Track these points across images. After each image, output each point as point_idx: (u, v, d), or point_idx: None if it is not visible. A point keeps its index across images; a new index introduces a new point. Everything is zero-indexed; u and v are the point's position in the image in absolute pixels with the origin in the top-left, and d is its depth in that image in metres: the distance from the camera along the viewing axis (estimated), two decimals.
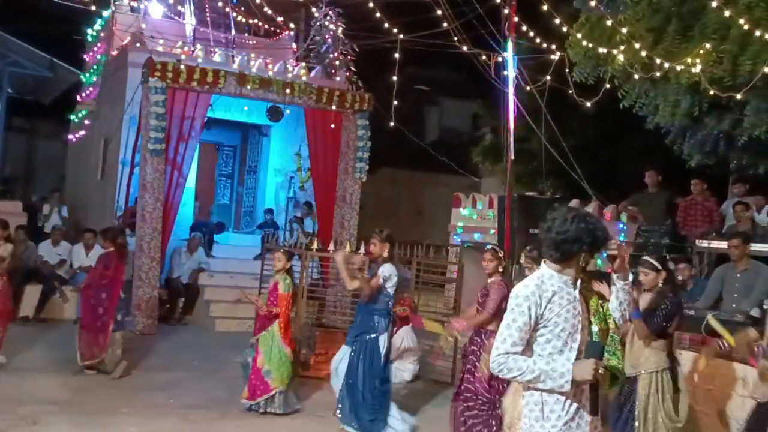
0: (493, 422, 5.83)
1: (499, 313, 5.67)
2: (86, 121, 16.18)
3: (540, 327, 3.26)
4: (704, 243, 9.82)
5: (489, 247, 6.59)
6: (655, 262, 5.60)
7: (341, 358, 6.88)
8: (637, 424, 5.34)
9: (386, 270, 6.59)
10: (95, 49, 16.48)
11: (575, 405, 3.25)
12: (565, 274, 3.31)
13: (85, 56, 17.12)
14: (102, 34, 16.13)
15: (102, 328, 8.16)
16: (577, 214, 3.31)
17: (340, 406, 6.67)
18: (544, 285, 3.28)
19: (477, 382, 6.00)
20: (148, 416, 6.91)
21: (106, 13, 15.31)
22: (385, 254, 6.63)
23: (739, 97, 8.83)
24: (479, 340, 6.15)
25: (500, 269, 6.29)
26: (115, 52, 14.61)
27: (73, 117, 17.53)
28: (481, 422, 5.92)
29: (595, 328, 5.11)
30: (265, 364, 7.14)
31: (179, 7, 14.97)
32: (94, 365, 8.19)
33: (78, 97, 16.91)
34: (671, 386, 5.40)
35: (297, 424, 7.09)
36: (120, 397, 7.43)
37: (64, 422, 6.53)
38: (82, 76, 16.89)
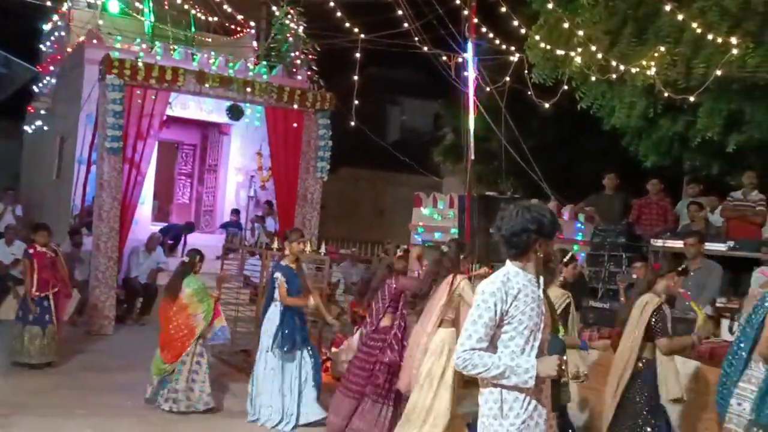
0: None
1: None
2: (45, 127, 15.85)
3: (504, 324, 3.28)
4: (659, 242, 10.00)
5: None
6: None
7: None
8: None
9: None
10: (51, 47, 16.17)
11: (534, 402, 3.25)
12: (528, 271, 3.34)
13: (39, 54, 16.80)
14: (56, 34, 15.83)
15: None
16: (521, 207, 3.35)
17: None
18: (510, 282, 3.30)
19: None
20: (105, 417, 6.81)
21: (63, 9, 15.04)
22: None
23: (692, 99, 9.02)
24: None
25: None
26: (70, 50, 14.37)
27: (27, 128, 17.16)
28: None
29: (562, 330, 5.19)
30: None
31: (137, 4, 14.79)
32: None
33: (32, 105, 16.54)
34: None
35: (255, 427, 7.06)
36: (76, 399, 7.32)
37: (20, 425, 6.42)
38: (35, 81, 16.54)
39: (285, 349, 6.92)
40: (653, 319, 5.26)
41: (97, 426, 6.55)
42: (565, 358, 3.25)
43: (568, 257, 6.16)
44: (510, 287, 3.26)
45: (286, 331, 6.92)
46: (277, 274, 7.06)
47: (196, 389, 7.19)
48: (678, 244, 9.35)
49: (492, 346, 3.28)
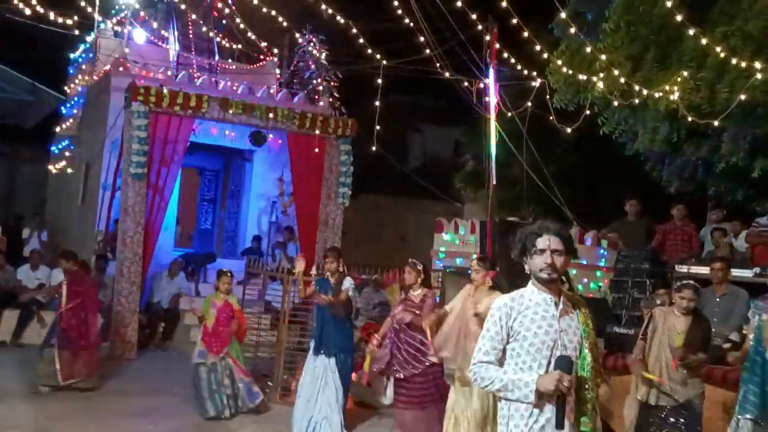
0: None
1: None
2: (67, 153, 16.09)
3: (511, 340, 3.32)
4: (684, 268, 9.88)
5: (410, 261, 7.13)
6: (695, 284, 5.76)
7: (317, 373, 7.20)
8: None
9: (347, 282, 7.35)
10: (78, 75, 16.45)
11: (541, 423, 3.23)
12: (547, 291, 3.34)
13: (66, 82, 17.08)
14: (83, 66, 16.09)
15: (86, 345, 8.36)
16: (518, 232, 3.44)
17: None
18: (521, 298, 3.35)
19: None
20: None
21: (89, 38, 15.31)
22: (341, 268, 7.44)
23: (716, 124, 8.97)
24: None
25: (419, 281, 6.92)
26: (97, 78, 14.60)
27: (53, 148, 17.43)
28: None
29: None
30: (245, 367, 8.17)
31: (163, 32, 15.03)
32: (75, 385, 8.26)
33: (57, 129, 16.81)
34: None
35: None
36: (98, 424, 7.34)
37: None
38: (62, 107, 16.82)
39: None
40: None
41: None
42: (570, 375, 3.17)
43: None
44: (519, 303, 3.32)
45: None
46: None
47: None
48: (703, 269, 9.25)
49: (504, 362, 3.34)
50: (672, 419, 5.61)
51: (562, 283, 3.42)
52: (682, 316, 5.71)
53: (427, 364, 6.64)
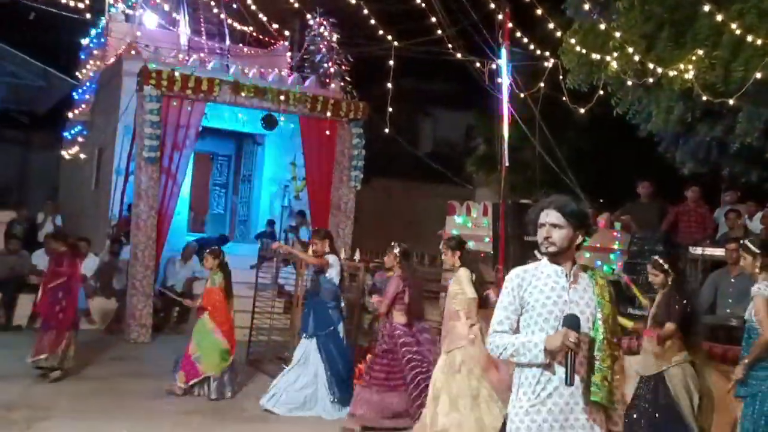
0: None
1: (396, 301, 6.96)
2: (80, 138, 16.17)
3: (523, 311, 3.39)
4: (698, 250, 9.85)
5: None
6: (664, 264, 5.86)
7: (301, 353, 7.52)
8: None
9: (331, 258, 7.54)
10: (90, 60, 16.48)
11: (548, 390, 3.27)
12: (559, 264, 3.40)
13: (78, 68, 17.12)
14: (95, 52, 16.11)
15: (56, 325, 8.20)
16: (530, 210, 3.51)
17: (331, 394, 7.34)
18: (535, 271, 3.42)
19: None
20: (143, 421, 6.88)
21: (101, 23, 15.33)
22: (327, 249, 7.56)
23: (731, 102, 8.87)
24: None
25: (397, 262, 7.17)
26: (109, 62, 14.62)
27: (66, 134, 17.51)
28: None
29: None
30: (195, 351, 7.76)
31: (174, 16, 15.01)
32: (39, 363, 8.16)
33: (70, 114, 16.89)
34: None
35: (296, 428, 7.06)
36: (115, 404, 7.40)
37: (58, 426, 6.51)
38: (74, 93, 16.87)
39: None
40: None
41: (135, 430, 6.60)
42: (578, 333, 3.19)
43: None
44: (532, 275, 3.39)
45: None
46: None
47: None
48: (717, 251, 9.21)
49: (518, 332, 3.41)
50: (642, 390, 5.84)
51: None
52: (660, 292, 5.92)
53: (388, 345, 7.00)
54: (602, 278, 3.44)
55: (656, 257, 5.98)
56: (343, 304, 7.76)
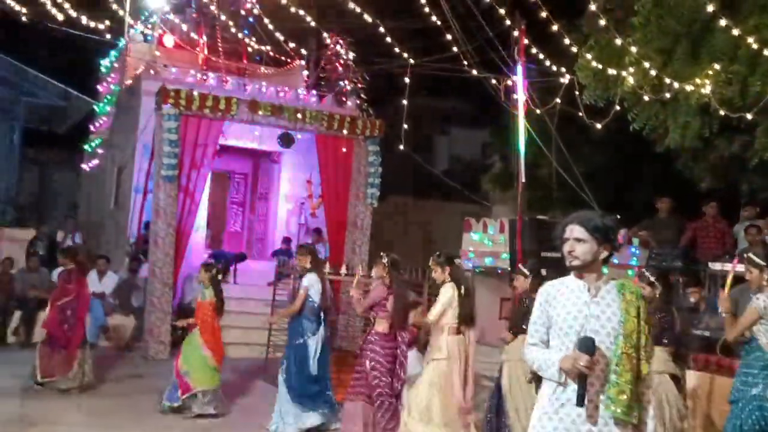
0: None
1: (374, 307, 6.85)
2: (99, 150, 16.37)
3: (550, 324, 3.48)
4: (717, 266, 9.78)
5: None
6: (650, 277, 5.95)
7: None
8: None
9: (306, 281, 7.46)
10: (109, 79, 16.71)
11: (562, 401, 3.34)
12: (582, 279, 3.45)
13: (98, 86, 17.35)
14: (116, 64, 16.36)
15: (66, 344, 8.24)
16: (558, 226, 3.59)
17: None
18: (561, 285, 3.49)
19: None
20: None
21: (119, 43, 15.54)
22: (308, 265, 7.53)
23: (749, 117, 8.84)
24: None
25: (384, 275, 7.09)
26: (128, 82, 14.80)
27: (86, 147, 17.73)
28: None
29: None
30: (183, 366, 7.70)
31: (192, 36, 15.20)
32: (57, 386, 8.20)
33: (92, 127, 17.11)
34: None
35: None
36: (133, 419, 7.42)
37: None
38: (95, 106, 17.10)
39: None
40: None
41: None
42: (589, 355, 3.21)
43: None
44: (557, 290, 3.47)
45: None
46: None
47: None
48: (737, 267, 9.12)
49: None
50: None
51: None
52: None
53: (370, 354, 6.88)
54: (632, 292, 3.42)
55: (643, 270, 6.01)
56: (322, 318, 7.64)
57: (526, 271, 6.74)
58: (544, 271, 6.56)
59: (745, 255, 5.80)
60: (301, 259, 7.72)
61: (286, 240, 14.34)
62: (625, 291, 3.41)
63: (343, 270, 9.99)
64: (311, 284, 7.47)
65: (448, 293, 6.56)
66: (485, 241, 13.52)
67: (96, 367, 8.66)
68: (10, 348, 10.84)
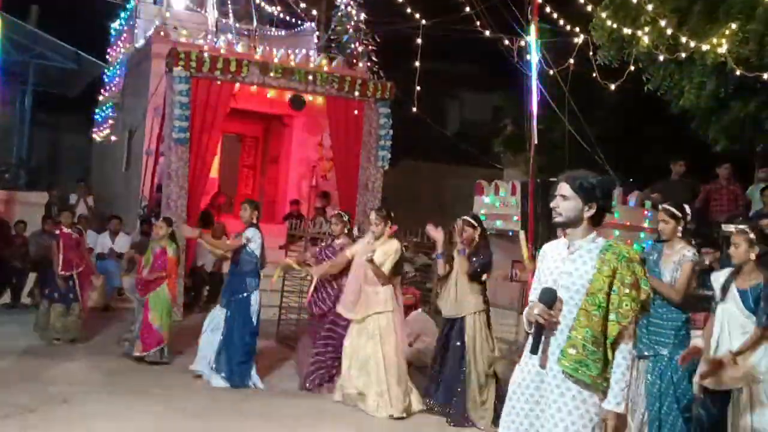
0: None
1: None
2: (110, 120, 16.37)
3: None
4: (730, 227, 9.71)
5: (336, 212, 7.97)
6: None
7: (211, 320, 7.72)
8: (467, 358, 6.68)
9: (249, 233, 7.55)
10: (119, 43, 16.63)
11: (531, 357, 3.43)
12: (568, 237, 3.51)
13: (109, 50, 17.28)
14: (126, 27, 16.28)
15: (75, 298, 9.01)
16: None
17: (213, 358, 7.52)
18: (551, 245, 3.58)
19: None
20: (177, 396, 6.99)
21: (129, 5, 15.45)
22: (254, 220, 7.63)
23: (766, 77, 8.72)
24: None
25: (345, 231, 7.76)
26: (138, 44, 14.74)
27: (97, 116, 17.71)
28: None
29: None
30: (156, 320, 8.06)
31: None
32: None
33: (102, 92, 17.07)
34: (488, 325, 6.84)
35: (314, 402, 7.14)
36: (151, 379, 7.54)
37: (94, 401, 6.62)
38: (105, 71, 17.06)
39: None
40: None
41: (167, 403, 6.71)
42: (544, 307, 3.30)
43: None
44: (549, 248, 3.57)
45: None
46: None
47: None
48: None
49: None
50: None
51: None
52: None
53: (325, 309, 7.45)
54: (614, 254, 3.36)
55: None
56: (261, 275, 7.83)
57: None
58: None
59: (661, 206, 5.63)
60: (246, 212, 7.67)
61: (295, 202, 14.36)
62: (607, 251, 3.37)
63: (355, 231, 9.99)
64: (253, 237, 7.56)
65: (396, 247, 6.90)
66: (497, 204, 13.50)
67: (113, 327, 8.84)
68: (27, 310, 10.96)
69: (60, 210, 9.67)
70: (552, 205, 3.46)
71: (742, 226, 5.36)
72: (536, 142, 9.96)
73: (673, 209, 5.39)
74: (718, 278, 5.39)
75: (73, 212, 9.52)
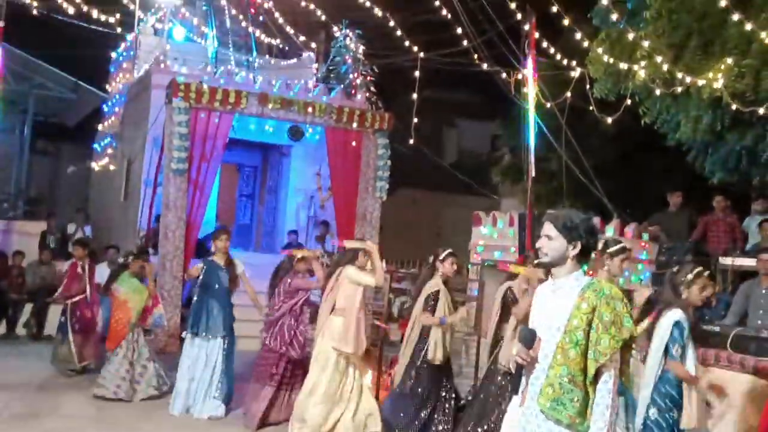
0: None
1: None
2: (109, 150, 16.42)
3: None
4: (728, 260, 9.73)
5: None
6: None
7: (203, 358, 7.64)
8: None
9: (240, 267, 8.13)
10: (119, 74, 16.73)
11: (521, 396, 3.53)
12: (550, 274, 3.55)
13: (108, 81, 17.39)
14: (125, 59, 16.39)
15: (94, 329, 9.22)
16: None
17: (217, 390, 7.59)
18: (544, 285, 3.61)
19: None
20: (170, 428, 6.93)
21: (130, 36, 15.57)
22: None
23: (761, 111, 8.78)
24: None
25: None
26: (138, 75, 14.84)
27: (96, 146, 17.76)
28: None
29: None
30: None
31: (203, 29, 15.21)
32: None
33: (100, 126, 17.13)
34: None
35: None
36: (143, 413, 7.48)
37: None
38: (104, 105, 17.14)
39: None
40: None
41: None
42: (523, 347, 3.36)
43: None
44: (540, 290, 3.60)
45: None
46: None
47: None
48: (748, 261, 9.09)
49: None
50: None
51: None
52: None
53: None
54: (595, 291, 3.33)
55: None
56: None
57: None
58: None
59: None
60: (225, 240, 7.97)
61: (293, 232, 14.36)
62: (587, 289, 3.35)
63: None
64: (240, 264, 8.09)
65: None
66: (494, 235, 13.51)
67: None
68: (20, 341, 10.90)
69: (62, 240, 9.73)
70: (537, 245, 3.50)
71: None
72: (533, 174, 10.01)
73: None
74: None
75: (86, 243, 9.67)
